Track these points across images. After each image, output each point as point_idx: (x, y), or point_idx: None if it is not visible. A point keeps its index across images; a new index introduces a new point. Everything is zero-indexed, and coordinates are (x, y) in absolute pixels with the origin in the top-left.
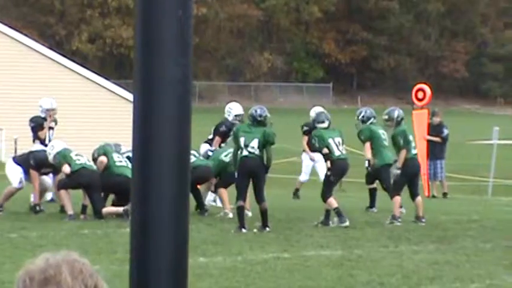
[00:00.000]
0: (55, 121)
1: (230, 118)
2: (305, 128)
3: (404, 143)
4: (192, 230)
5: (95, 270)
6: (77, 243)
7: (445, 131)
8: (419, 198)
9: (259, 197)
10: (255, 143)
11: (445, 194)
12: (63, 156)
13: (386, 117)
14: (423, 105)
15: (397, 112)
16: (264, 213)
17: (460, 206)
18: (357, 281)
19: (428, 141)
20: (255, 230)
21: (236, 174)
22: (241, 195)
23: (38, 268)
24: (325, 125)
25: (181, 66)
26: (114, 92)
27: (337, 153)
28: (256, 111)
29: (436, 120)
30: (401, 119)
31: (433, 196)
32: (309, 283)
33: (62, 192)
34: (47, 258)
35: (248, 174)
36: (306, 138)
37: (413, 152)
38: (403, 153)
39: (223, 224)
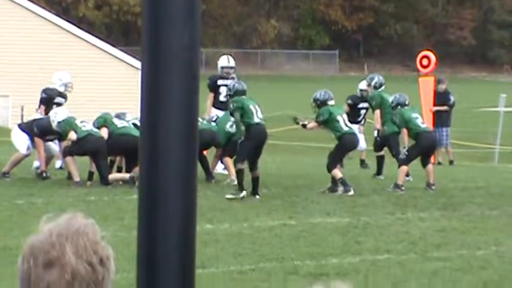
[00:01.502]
0: (66, 96)
1: (218, 71)
2: (348, 101)
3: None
4: (199, 197)
5: (99, 238)
6: (83, 210)
7: (452, 99)
8: (430, 166)
9: (256, 164)
10: (260, 111)
11: (451, 162)
12: (69, 123)
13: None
14: (428, 72)
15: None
16: (256, 181)
17: (466, 173)
18: (363, 248)
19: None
20: (257, 197)
21: (244, 139)
22: (243, 158)
23: (41, 246)
24: (333, 102)
25: (190, 31)
26: (121, 59)
27: (345, 128)
28: (242, 85)
29: (442, 87)
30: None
31: (439, 163)
32: (316, 250)
33: (69, 159)
34: (51, 232)
35: (261, 141)
36: (346, 108)
37: (423, 125)
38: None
39: (229, 192)
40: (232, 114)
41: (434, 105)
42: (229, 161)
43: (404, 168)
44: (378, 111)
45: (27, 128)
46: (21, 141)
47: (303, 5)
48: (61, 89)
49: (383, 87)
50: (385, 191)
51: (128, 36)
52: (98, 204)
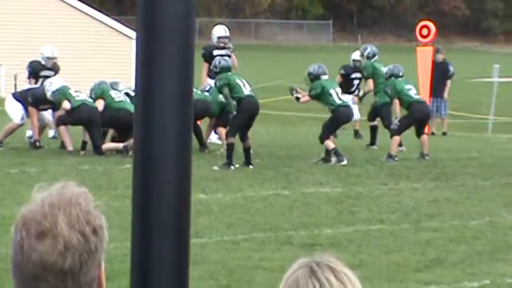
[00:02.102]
0: (56, 69)
1: (214, 41)
2: (341, 71)
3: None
4: (192, 167)
5: (92, 207)
6: (76, 179)
7: (451, 69)
8: (424, 136)
9: (246, 135)
10: (247, 85)
11: (444, 133)
12: (63, 93)
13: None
14: (427, 42)
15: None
16: (248, 151)
17: (459, 143)
18: (356, 218)
19: (432, 78)
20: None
21: (236, 113)
22: (235, 132)
23: (34, 217)
24: (327, 77)
25: (184, 0)
26: (114, 29)
27: (338, 101)
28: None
29: (440, 57)
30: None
31: (433, 133)
32: (309, 220)
33: (62, 128)
34: (43, 202)
35: (253, 113)
36: (339, 78)
37: (416, 96)
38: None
39: (223, 162)
40: (220, 92)
41: (433, 75)
42: (222, 130)
43: (396, 138)
44: (370, 81)
45: (21, 97)
46: (15, 111)
47: None
48: (43, 62)
49: (376, 58)
50: (379, 161)
51: (120, 6)
52: (91, 173)
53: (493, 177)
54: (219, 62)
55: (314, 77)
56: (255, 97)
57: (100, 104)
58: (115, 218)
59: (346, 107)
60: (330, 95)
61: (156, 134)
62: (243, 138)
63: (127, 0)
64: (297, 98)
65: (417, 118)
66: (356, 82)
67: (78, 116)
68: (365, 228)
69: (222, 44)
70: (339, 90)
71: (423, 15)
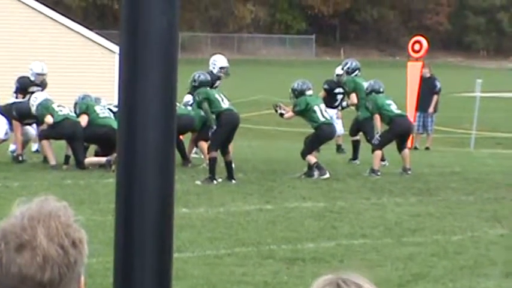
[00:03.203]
0: (44, 86)
1: (215, 71)
2: (324, 86)
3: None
4: (175, 181)
5: (72, 221)
6: (59, 193)
7: (438, 85)
8: (406, 151)
9: (227, 149)
10: (225, 99)
11: (427, 148)
12: (46, 107)
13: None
14: (419, 57)
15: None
16: (230, 165)
17: (442, 158)
18: (339, 233)
19: (419, 93)
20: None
21: (216, 127)
22: (217, 146)
23: (13, 230)
24: (311, 92)
25: (168, 15)
26: (97, 43)
27: (322, 119)
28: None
29: (426, 72)
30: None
31: (415, 148)
32: (292, 234)
33: (45, 142)
34: (23, 215)
35: (233, 127)
36: (323, 93)
37: (396, 111)
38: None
39: (205, 176)
40: (200, 106)
41: (419, 90)
42: (204, 144)
43: (378, 153)
44: (353, 95)
45: (5, 111)
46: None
47: None
48: (32, 78)
49: (357, 72)
50: (361, 176)
51: (103, 20)
52: (74, 188)
53: (475, 192)
54: (198, 76)
55: (299, 93)
56: (233, 110)
57: (84, 120)
58: (97, 233)
59: (329, 124)
60: (314, 111)
61: (139, 149)
62: (224, 152)
63: (109, 15)
64: (281, 114)
65: (398, 133)
66: (339, 97)
67: (60, 130)
68: (347, 243)
69: (222, 75)
70: (323, 106)
71: (406, 31)
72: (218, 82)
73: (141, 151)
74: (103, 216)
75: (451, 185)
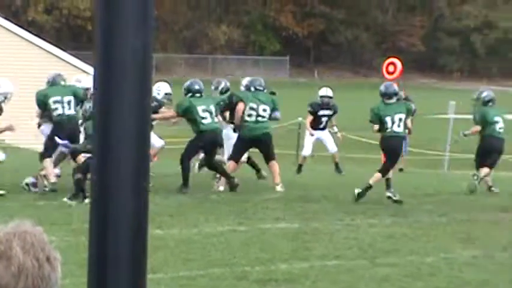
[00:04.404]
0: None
1: (159, 97)
2: (308, 108)
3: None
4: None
5: (47, 241)
6: (33, 214)
7: (413, 106)
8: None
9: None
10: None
11: (401, 170)
12: None
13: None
14: (393, 78)
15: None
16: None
17: (416, 179)
18: (312, 254)
19: None
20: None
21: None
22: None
23: None
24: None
25: (142, 37)
26: (71, 64)
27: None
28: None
29: (401, 94)
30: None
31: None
32: (265, 256)
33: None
34: None
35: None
36: (309, 116)
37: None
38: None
39: (179, 197)
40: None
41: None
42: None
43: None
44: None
45: None
46: None
47: (254, 11)
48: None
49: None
50: (335, 197)
51: (77, 41)
52: (47, 208)
53: (449, 213)
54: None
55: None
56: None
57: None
58: (70, 253)
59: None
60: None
61: (114, 170)
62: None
63: (83, 36)
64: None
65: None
66: (324, 119)
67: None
68: (321, 264)
69: (166, 101)
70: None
71: (380, 52)
72: (163, 108)
73: (116, 171)
74: (76, 237)
75: (424, 206)
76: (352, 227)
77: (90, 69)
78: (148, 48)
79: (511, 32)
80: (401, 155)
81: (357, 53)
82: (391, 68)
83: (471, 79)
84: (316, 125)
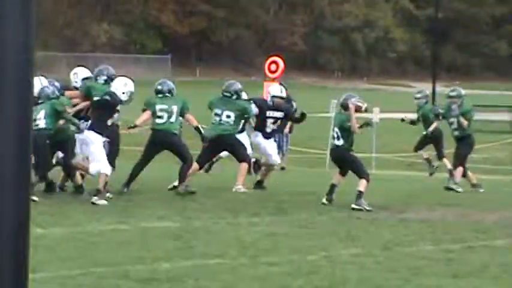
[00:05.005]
0: None
1: (77, 85)
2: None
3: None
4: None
5: None
6: None
7: (294, 105)
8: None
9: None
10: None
11: (283, 168)
12: None
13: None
14: (275, 77)
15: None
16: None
17: (297, 178)
18: (194, 253)
19: None
20: (93, 200)
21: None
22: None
23: None
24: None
25: (24, 35)
26: None
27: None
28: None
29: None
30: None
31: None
32: (147, 254)
33: None
34: None
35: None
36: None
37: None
38: None
39: (60, 196)
40: None
41: None
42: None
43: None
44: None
45: None
46: None
47: (135, 10)
48: None
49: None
50: (217, 196)
51: None
52: None
53: (329, 212)
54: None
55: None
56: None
57: None
58: None
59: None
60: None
61: None
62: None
63: None
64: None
65: None
66: (270, 121)
67: None
68: (203, 262)
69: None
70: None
71: (261, 51)
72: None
73: None
74: None
75: (305, 204)
76: (233, 225)
77: None
78: (30, 47)
79: (391, 31)
80: (282, 153)
81: (239, 51)
82: (273, 67)
83: (352, 78)
84: (261, 127)
